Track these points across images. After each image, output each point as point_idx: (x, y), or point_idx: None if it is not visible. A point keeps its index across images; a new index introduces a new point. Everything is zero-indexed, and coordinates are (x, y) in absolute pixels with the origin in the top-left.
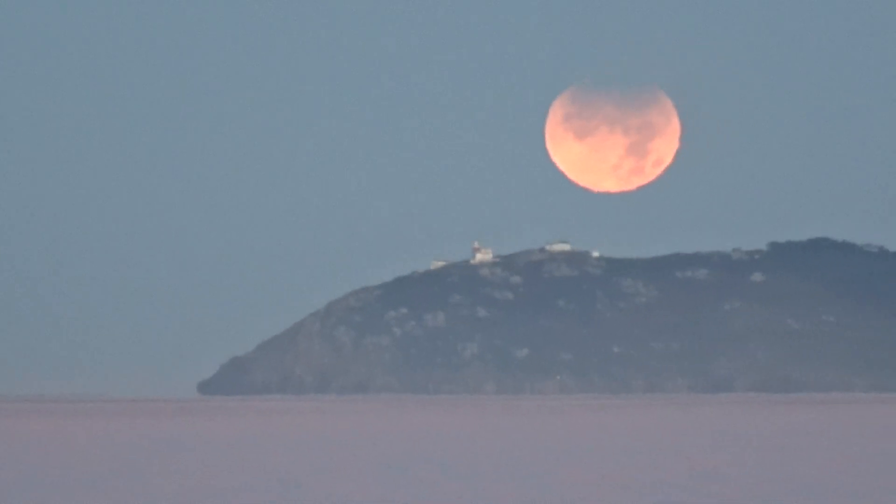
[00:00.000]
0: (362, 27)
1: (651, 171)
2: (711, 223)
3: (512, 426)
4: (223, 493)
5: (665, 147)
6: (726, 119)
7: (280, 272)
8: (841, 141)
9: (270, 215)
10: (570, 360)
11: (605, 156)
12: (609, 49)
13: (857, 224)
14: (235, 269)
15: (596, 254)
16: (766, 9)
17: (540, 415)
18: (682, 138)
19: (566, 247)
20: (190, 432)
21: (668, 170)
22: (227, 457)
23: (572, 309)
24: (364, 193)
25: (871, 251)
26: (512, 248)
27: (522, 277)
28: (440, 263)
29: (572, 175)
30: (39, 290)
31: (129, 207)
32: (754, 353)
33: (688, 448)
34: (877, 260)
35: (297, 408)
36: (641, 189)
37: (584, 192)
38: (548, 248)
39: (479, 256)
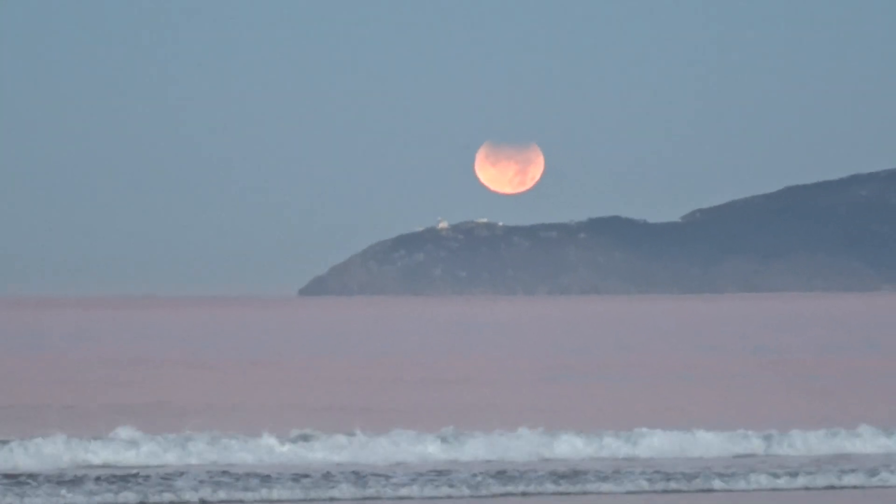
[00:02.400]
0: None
1: (529, 182)
2: (559, 208)
3: (458, 311)
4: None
5: (535, 170)
6: (569, 153)
7: (340, 230)
8: (625, 159)
9: (339, 197)
10: (487, 277)
11: (505, 174)
12: (509, 109)
13: (633, 207)
14: (321, 224)
15: (500, 223)
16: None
17: (471, 306)
18: (546, 166)
19: (485, 220)
20: (320, 310)
21: (538, 183)
22: (337, 321)
23: (488, 252)
24: (383, 192)
25: (640, 222)
26: (458, 220)
27: (463, 235)
28: (420, 228)
29: (488, 184)
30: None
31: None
32: (580, 273)
33: (546, 320)
34: (643, 227)
35: (356, 302)
36: (524, 192)
37: (495, 193)
38: (475, 220)
39: (441, 224)
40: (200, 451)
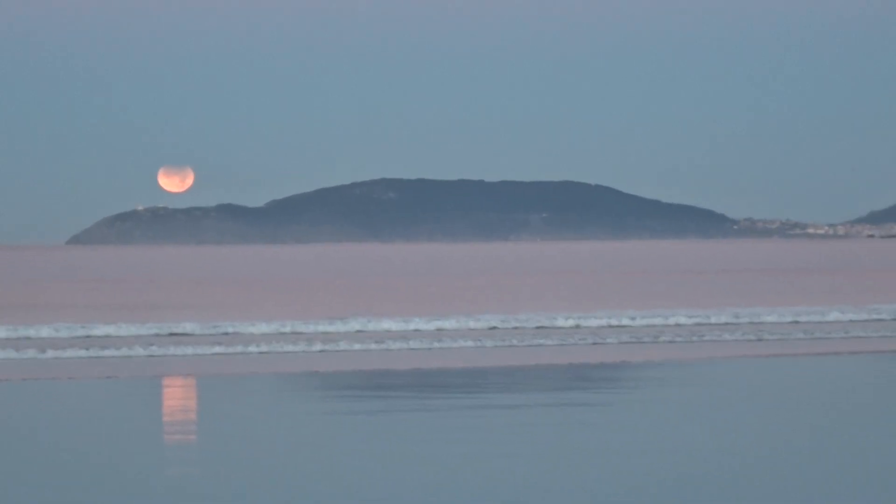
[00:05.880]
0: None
1: (185, 185)
2: None
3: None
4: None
5: (188, 180)
6: (223, 162)
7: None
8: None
9: None
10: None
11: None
12: (181, 143)
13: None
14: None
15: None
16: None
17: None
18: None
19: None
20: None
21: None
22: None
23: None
24: None
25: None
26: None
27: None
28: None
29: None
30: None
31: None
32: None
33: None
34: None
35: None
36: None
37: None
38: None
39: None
40: None
